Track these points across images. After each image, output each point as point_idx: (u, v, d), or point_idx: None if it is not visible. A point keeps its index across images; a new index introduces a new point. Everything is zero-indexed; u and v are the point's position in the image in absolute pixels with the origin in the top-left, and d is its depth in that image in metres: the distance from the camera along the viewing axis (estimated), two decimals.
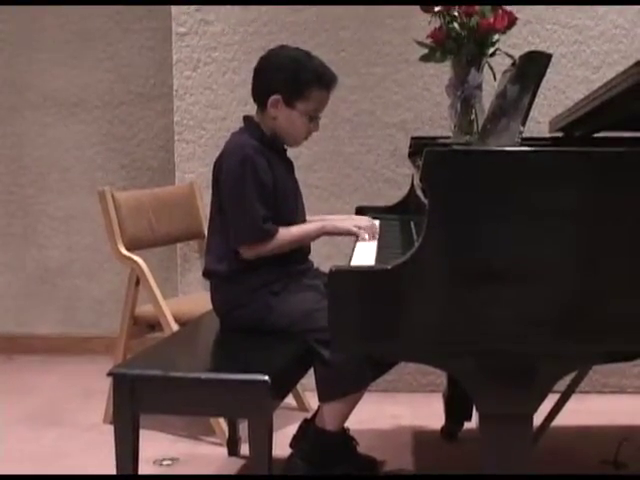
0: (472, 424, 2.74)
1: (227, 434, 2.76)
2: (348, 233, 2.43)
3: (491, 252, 1.70)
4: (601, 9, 3.30)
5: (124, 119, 4.02)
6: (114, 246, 2.93)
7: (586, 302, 1.71)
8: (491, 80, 2.66)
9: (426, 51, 2.72)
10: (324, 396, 2.28)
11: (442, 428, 2.87)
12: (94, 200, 2.97)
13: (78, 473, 2.59)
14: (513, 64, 2.34)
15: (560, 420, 2.42)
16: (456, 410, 2.82)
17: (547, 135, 2.74)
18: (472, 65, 2.62)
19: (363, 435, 2.56)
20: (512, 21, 2.67)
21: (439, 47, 2.66)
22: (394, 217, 2.69)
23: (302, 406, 3.13)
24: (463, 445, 2.79)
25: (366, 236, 2.36)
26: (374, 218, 2.55)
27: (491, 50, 2.66)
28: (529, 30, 3.29)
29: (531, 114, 1.96)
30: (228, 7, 3.39)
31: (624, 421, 2.99)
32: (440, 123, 3.21)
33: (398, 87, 3.37)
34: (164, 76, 3.80)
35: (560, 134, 2.61)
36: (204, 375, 2.08)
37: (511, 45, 2.89)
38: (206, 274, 2.49)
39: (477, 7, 2.61)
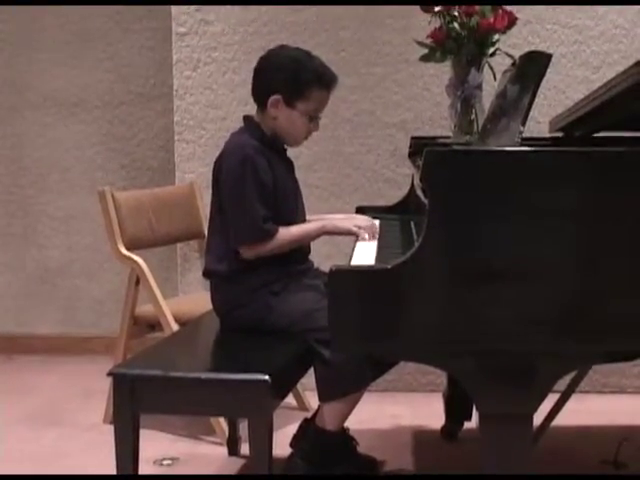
0: (472, 424, 2.74)
1: (227, 434, 2.76)
2: (348, 233, 2.43)
3: (491, 252, 1.70)
4: (601, 9, 3.30)
5: (124, 119, 4.02)
6: (114, 246, 2.93)
7: (586, 302, 1.71)
8: (491, 80, 2.67)
9: (426, 51, 2.72)
10: (324, 396, 2.29)
11: (442, 428, 2.87)
12: (94, 200, 2.97)
13: (78, 473, 2.59)
14: (513, 64, 2.34)
15: (560, 420, 2.42)
16: (456, 410, 2.82)
17: (547, 135, 2.74)
18: (472, 65, 2.62)
19: (363, 435, 2.56)
20: (512, 21, 2.67)
21: (439, 47, 2.66)
22: (394, 217, 2.69)
23: (302, 406, 3.13)
24: (463, 445, 2.79)
25: (366, 236, 2.36)
26: (374, 218, 2.55)
27: (491, 50, 2.66)
28: (529, 30, 3.29)
29: (531, 114, 1.97)
30: (228, 7, 3.39)
31: (624, 421, 2.98)
32: (440, 123, 3.21)
33: (398, 87, 3.37)
34: (164, 76, 3.80)
35: (560, 134, 2.61)
36: (204, 375, 2.08)
37: (511, 45, 2.89)
38: (206, 274, 2.49)
39: (477, 7, 2.61)
